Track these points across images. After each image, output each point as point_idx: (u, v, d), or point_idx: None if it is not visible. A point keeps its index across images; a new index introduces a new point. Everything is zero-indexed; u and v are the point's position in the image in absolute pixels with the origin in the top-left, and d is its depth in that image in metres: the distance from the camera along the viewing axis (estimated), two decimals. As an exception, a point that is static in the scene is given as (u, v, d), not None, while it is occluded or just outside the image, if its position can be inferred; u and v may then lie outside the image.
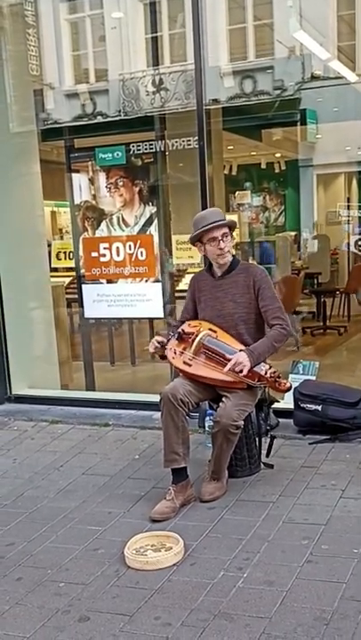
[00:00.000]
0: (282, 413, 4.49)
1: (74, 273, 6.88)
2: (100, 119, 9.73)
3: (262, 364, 3.66)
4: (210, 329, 3.81)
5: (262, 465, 4.03)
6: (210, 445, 4.23)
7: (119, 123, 9.04)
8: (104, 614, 2.79)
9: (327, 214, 10.80)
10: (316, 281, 9.28)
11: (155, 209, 5.37)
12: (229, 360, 3.62)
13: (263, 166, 11.12)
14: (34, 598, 2.95)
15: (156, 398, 5.11)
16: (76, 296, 5.99)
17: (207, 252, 3.86)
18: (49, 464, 4.48)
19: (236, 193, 10.43)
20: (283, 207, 12.12)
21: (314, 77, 10.24)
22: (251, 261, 9.24)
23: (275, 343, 3.68)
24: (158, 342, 3.91)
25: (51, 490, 4.08)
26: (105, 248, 5.49)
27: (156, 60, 10.75)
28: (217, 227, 3.76)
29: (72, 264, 6.64)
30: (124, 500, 3.84)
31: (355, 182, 12.25)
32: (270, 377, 3.62)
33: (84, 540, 3.43)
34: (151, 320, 7.21)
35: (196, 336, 3.78)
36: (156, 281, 5.38)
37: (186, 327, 3.90)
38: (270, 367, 3.65)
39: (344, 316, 9.12)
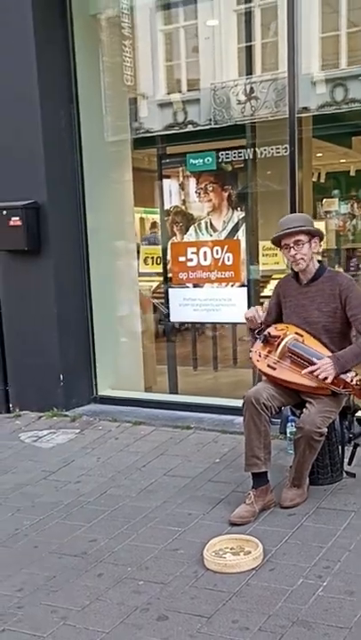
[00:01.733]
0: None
1: (160, 278, 6.97)
2: (190, 128, 9.82)
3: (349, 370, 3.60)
4: (296, 333, 3.78)
5: (344, 473, 3.96)
6: (291, 452, 4.20)
7: (210, 131, 9.10)
8: (182, 614, 2.81)
9: None
10: None
11: (243, 214, 5.37)
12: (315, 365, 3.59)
13: (352, 174, 10.93)
14: (114, 595, 3.00)
15: (237, 403, 5.12)
16: (163, 300, 6.06)
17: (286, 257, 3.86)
18: (131, 464, 4.55)
19: (324, 200, 10.27)
20: (371, 215, 11.87)
21: None
22: (337, 269, 9.09)
23: None
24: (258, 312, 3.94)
25: (132, 489, 4.14)
26: (192, 253, 5.55)
27: (247, 68, 10.76)
28: (288, 234, 3.73)
29: (159, 269, 6.74)
30: (203, 503, 3.85)
31: None
32: (356, 385, 3.56)
33: (163, 539, 3.47)
34: (234, 325, 7.21)
35: (282, 339, 3.76)
36: (242, 286, 5.37)
37: (272, 330, 3.88)
38: (356, 374, 3.58)
39: None
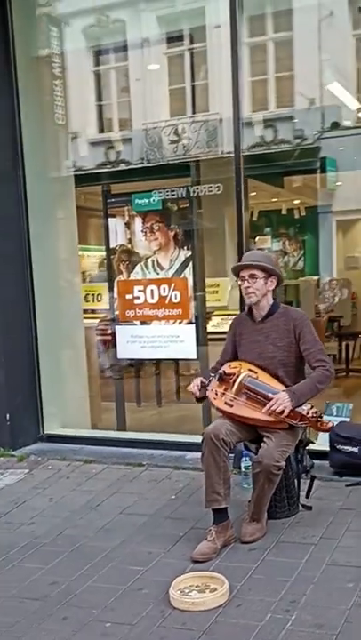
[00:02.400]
0: (316, 455, 4.48)
1: (101, 315, 6.99)
2: (123, 166, 9.97)
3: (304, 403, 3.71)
4: (250, 369, 3.87)
5: (301, 506, 4.04)
6: (246, 486, 4.26)
7: (150, 169, 9.25)
8: (153, 656, 2.80)
9: (346, 259, 10.89)
10: (338, 324, 9.33)
11: (189, 253, 5.46)
12: (271, 400, 3.67)
13: (284, 212, 11.30)
14: (81, 639, 2.95)
15: (188, 439, 5.19)
16: (105, 337, 6.07)
17: None
18: (85, 503, 4.49)
19: (257, 238, 10.57)
20: (302, 252, 12.25)
21: (334, 127, 10.50)
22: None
23: (318, 384, 3.72)
24: (201, 382, 3.96)
25: (89, 529, 4.09)
26: (139, 290, 5.59)
27: (178, 110, 11.06)
28: (243, 267, 3.88)
29: (100, 306, 6.75)
30: (163, 541, 3.84)
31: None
32: (312, 417, 3.66)
33: (126, 579, 3.44)
34: (177, 361, 7.27)
35: (237, 377, 3.83)
36: (190, 323, 5.43)
37: (226, 368, 3.95)
38: (312, 407, 3.69)
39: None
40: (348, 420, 4.79)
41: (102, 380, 6.73)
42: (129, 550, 3.77)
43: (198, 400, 4.07)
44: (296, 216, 11.18)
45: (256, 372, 3.85)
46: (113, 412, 6.19)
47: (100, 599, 3.26)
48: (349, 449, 4.40)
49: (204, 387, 3.97)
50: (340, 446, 4.44)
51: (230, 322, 4.23)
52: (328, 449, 4.52)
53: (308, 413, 3.65)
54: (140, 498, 4.50)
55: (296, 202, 11.17)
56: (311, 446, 4.19)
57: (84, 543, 3.90)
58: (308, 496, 4.01)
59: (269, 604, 3.10)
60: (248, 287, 3.84)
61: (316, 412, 3.67)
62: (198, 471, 4.80)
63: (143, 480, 4.83)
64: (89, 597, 3.30)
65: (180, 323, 5.47)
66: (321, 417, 3.69)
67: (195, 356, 5.46)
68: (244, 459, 4.36)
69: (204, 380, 3.98)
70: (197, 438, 5.25)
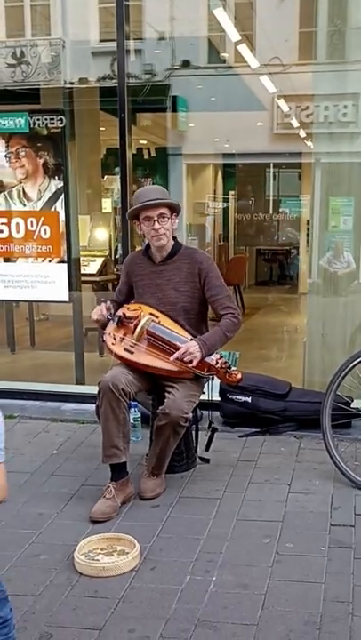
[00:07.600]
0: (206, 405, 4.29)
1: None
2: None
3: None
4: (151, 313, 3.56)
5: (198, 459, 3.85)
6: (134, 439, 4.00)
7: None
8: (68, 629, 2.50)
9: (194, 205, 10.72)
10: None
11: (61, 184, 4.97)
12: (178, 348, 3.40)
13: (134, 152, 10.85)
14: (-23, 615, 2.58)
15: (64, 389, 4.80)
16: None
17: (144, 232, 3.60)
18: None
19: (105, 177, 10.07)
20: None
21: (185, 65, 10.22)
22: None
23: (227, 333, 3.49)
24: (106, 309, 3.63)
25: None
26: (3, 223, 5.01)
27: (16, 31, 10.21)
28: (153, 206, 3.51)
29: None
30: (53, 500, 3.50)
31: (220, 175, 12.31)
32: (221, 367, 3.45)
33: (19, 545, 3.08)
34: (31, 303, 6.78)
35: (139, 321, 3.51)
36: (62, 262, 4.98)
37: (126, 311, 3.61)
38: (221, 357, 3.47)
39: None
40: (235, 368, 4.63)
41: None
42: (15, 512, 3.38)
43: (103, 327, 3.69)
44: (146, 156, 10.77)
45: (158, 317, 3.55)
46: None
47: (-8, 569, 2.89)
48: (242, 399, 4.27)
49: (108, 311, 3.63)
50: (232, 396, 4.29)
51: (124, 261, 3.89)
52: (219, 399, 4.34)
53: (216, 364, 3.43)
54: (16, 453, 4.06)
55: (144, 142, 10.77)
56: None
57: None
58: (208, 449, 3.82)
59: (186, 565, 2.90)
60: (160, 228, 3.50)
61: (225, 363, 3.45)
62: (78, 424, 4.53)
63: (17, 434, 4.39)
64: (-22, 567, 2.91)
65: (50, 261, 4.99)
66: (230, 367, 3.48)
67: (67, 299, 5.02)
68: (133, 410, 4.08)
69: (108, 307, 3.64)
70: (74, 388, 4.96)
